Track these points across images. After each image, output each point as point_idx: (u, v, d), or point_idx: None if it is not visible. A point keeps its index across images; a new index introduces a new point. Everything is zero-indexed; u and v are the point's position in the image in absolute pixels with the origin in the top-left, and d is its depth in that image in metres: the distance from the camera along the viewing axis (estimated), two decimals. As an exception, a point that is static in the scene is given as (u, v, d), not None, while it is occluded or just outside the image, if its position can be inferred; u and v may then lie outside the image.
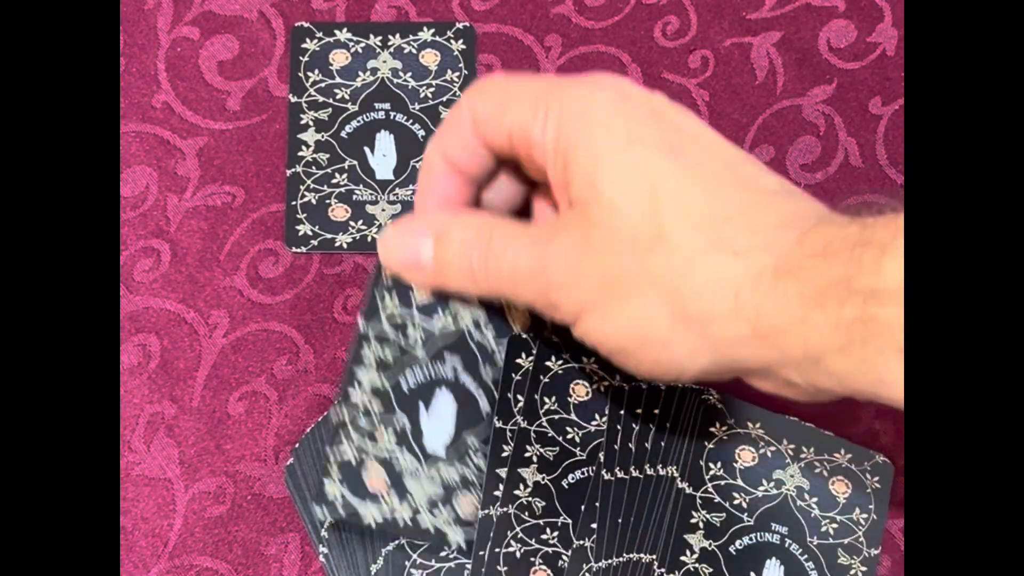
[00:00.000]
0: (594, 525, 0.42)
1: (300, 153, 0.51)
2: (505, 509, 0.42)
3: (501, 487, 0.42)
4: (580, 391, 0.44)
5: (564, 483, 0.42)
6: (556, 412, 0.44)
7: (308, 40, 0.53)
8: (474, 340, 0.42)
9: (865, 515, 0.43)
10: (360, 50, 0.53)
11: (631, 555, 0.41)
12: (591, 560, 0.41)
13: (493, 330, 0.43)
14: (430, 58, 0.53)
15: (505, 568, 0.41)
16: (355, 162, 0.51)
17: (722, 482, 0.43)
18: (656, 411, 0.44)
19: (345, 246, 0.49)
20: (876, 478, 0.44)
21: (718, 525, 0.42)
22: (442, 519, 0.42)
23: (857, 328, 0.33)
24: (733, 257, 0.34)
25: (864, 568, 0.42)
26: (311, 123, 0.51)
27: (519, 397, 0.43)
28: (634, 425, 0.44)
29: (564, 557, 0.41)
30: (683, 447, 0.44)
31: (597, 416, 0.44)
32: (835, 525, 0.43)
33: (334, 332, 0.48)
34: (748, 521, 0.43)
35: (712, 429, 0.44)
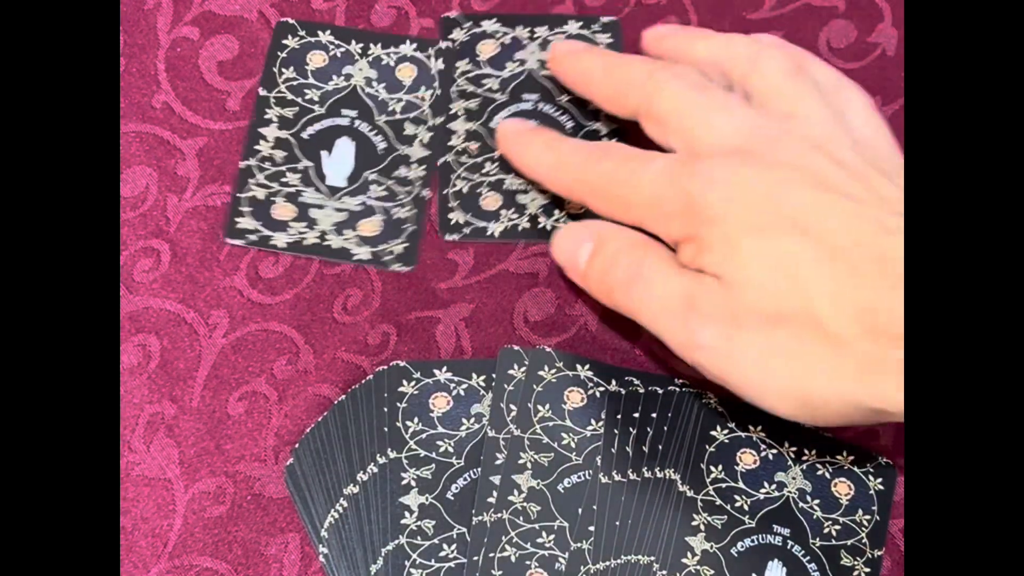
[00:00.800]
0: (591, 527, 0.42)
1: (257, 147, 0.51)
2: (499, 515, 0.42)
3: (495, 493, 0.42)
4: (575, 398, 0.44)
5: (560, 487, 0.43)
6: (551, 419, 0.44)
7: (290, 37, 0.53)
8: (366, 93, 0.47)
9: (868, 516, 0.43)
10: (339, 55, 0.53)
11: (629, 557, 0.41)
12: (588, 562, 0.41)
13: (385, 84, 0.49)
14: (406, 72, 0.53)
15: (500, 572, 0.41)
16: (310, 164, 0.50)
17: (723, 485, 0.43)
18: (654, 415, 0.44)
19: (283, 245, 0.49)
20: (879, 480, 0.44)
21: (719, 527, 0.42)
22: (349, 240, 0.48)
23: None
24: (849, 358, 0.36)
25: (868, 569, 0.42)
26: (275, 119, 0.51)
27: (512, 407, 0.44)
28: (631, 429, 0.44)
29: (561, 560, 0.41)
30: (683, 450, 0.43)
31: (593, 421, 0.44)
32: (837, 527, 0.43)
33: (334, 332, 0.48)
34: (750, 523, 0.42)
35: (713, 432, 0.44)
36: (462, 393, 0.45)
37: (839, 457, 0.44)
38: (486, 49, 0.53)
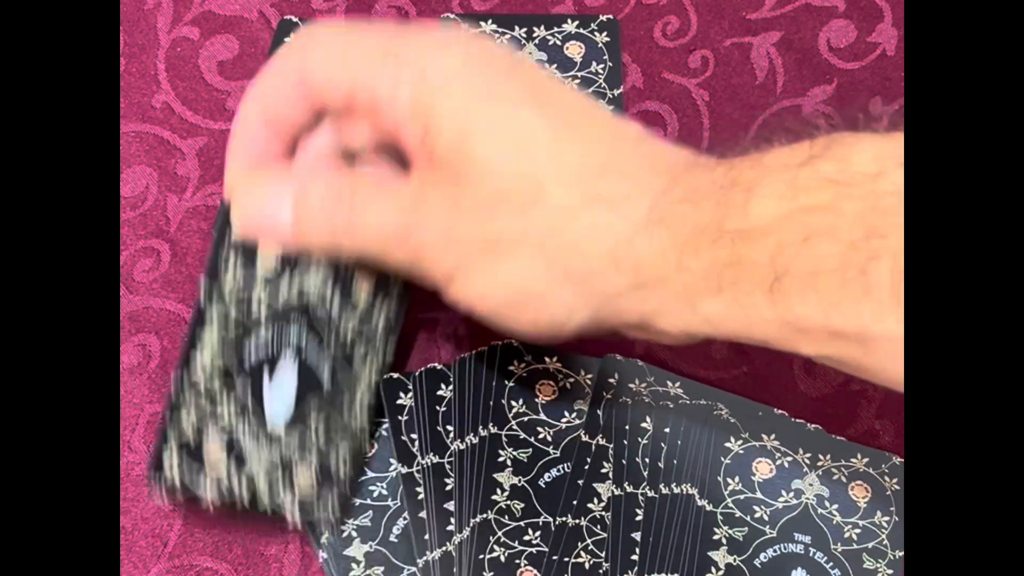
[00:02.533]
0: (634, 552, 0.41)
1: None
2: (484, 515, 0.42)
3: (479, 496, 0.42)
4: (547, 390, 0.44)
5: (541, 483, 0.42)
6: (525, 414, 0.44)
7: (292, 35, 0.53)
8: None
9: (887, 518, 0.43)
10: None
11: None
12: None
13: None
14: None
15: (491, 573, 0.41)
16: None
17: (742, 496, 0.43)
18: (667, 429, 0.44)
19: None
20: (895, 480, 0.44)
21: (741, 539, 0.42)
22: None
23: (728, 271, 0.33)
24: (608, 210, 0.34)
25: (890, 571, 0.42)
26: None
27: (490, 403, 0.43)
28: (641, 440, 0.43)
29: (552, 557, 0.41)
30: (699, 464, 0.43)
31: (567, 413, 0.44)
32: (858, 530, 0.42)
33: (334, 332, 0.48)
34: (771, 533, 0.42)
35: (728, 444, 0.44)
36: (568, 387, 0.45)
37: (854, 460, 0.44)
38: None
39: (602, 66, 0.52)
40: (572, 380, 0.44)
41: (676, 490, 0.43)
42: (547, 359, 0.44)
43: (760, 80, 0.53)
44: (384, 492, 0.43)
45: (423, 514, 0.42)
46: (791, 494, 0.43)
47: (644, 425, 0.44)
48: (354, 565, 0.42)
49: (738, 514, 0.42)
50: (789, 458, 0.44)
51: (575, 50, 0.53)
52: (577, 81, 0.52)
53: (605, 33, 0.53)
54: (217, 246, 0.41)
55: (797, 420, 0.45)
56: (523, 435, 0.43)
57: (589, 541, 0.41)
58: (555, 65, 0.52)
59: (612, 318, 0.35)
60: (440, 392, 0.44)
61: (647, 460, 0.43)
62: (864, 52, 0.54)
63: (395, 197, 0.36)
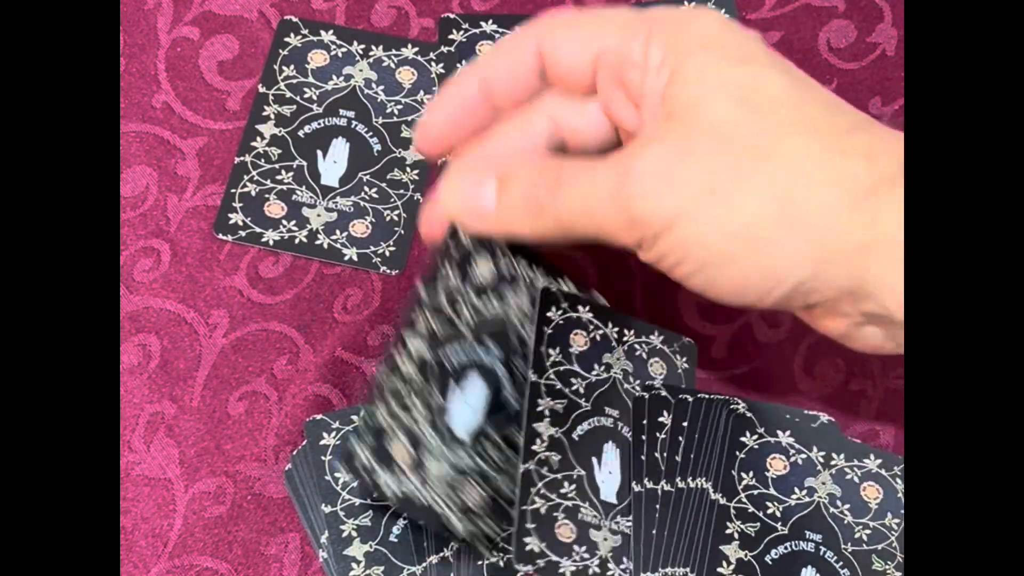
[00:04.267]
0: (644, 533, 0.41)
1: (253, 143, 0.51)
2: (526, 465, 0.41)
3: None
4: (580, 340, 0.43)
5: (575, 435, 0.42)
6: (561, 363, 0.43)
7: (293, 35, 0.53)
8: (365, 95, 0.42)
9: (897, 520, 0.43)
10: (340, 55, 0.53)
11: (667, 569, 0.41)
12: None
13: (385, 86, 0.42)
14: (406, 75, 0.52)
15: (533, 525, 0.40)
16: (304, 163, 0.50)
17: (755, 491, 0.43)
18: (685, 423, 0.43)
19: (271, 243, 0.49)
20: None
21: (753, 535, 0.42)
22: (338, 240, 0.44)
23: None
24: (861, 159, 0.34)
25: (899, 573, 0.42)
26: (272, 116, 0.51)
27: (550, 351, 0.42)
28: (659, 435, 0.43)
29: (582, 510, 0.41)
30: (714, 458, 0.43)
31: (596, 366, 0.43)
32: (868, 531, 0.42)
33: (334, 332, 0.48)
34: (783, 530, 0.42)
35: (743, 439, 0.44)
36: (598, 338, 0.44)
37: (867, 460, 0.44)
38: (485, 50, 0.53)
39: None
40: (602, 332, 0.44)
41: (692, 484, 0.42)
42: (580, 308, 0.43)
43: (760, 80, 0.53)
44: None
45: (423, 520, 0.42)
46: (804, 492, 0.43)
47: (662, 420, 0.43)
48: (354, 565, 0.42)
49: (751, 509, 0.42)
50: (803, 455, 0.43)
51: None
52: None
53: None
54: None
55: (810, 412, 0.45)
56: (559, 385, 0.43)
57: (540, 485, 0.41)
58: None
59: (825, 285, 0.34)
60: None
61: (664, 455, 0.43)
62: (864, 52, 0.54)
63: (607, 159, 0.36)
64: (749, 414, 0.44)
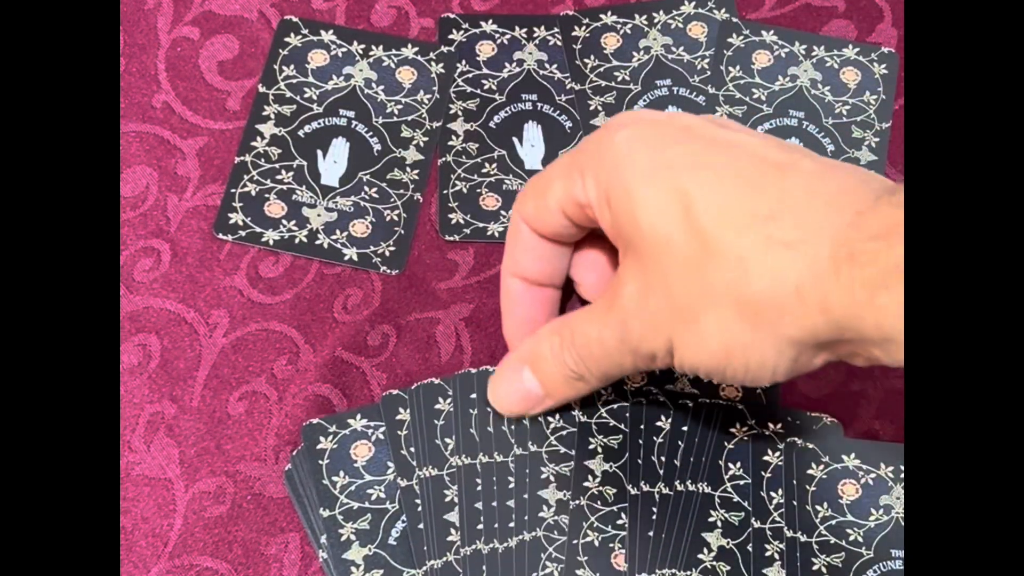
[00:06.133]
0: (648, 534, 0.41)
1: (253, 143, 0.51)
2: (577, 502, 0.42)
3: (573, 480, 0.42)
4: (487, 49, 0.44)
5: (491, 124, 0.43)
6: (614, 400, 0.44)
7: (293, 35, 0.53)
8: (365, 94, 0.45)
9: (875, 97, 0.42)
10: (340, 55, 0.53)
11: (663, 571, 0.41)
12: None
13: (385, 86, 0.47)
14: (406, 75, 0.52)
15: (586, 558, 0.41)
16: (304, 163, 0.50)
17: (740, 482, 0.43)
18: (684, 428, 0.43)
19: (271, 243, 0.49)
20: (883, 66, 0.43)
21: (737, 524, 0.42)
22: (338, 240, 0.47)
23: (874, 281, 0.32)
24: (785, 251, 0.34)
25: (876, 139, 0.42)
26: (272, 116, 0.51)
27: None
28: (656, 439, 0.43)
29: (506, 182, 0.41)
30: (704, 454, 0.43)
31: (507, 64, 0.43)
32: (848, 107, 0.42)
33: (334, 332, 0.48)
34: (766, 529, 0.42)
35: (732, 430, 0.44)
36: (505, 43, 0.45)
37: (845, 50, 0.43)
38: (485, 50, 0.53)
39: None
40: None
41: (691, 488, 0.42)
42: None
43: (760, 80, 0.53)
44: (382, 495, 0.43)
45: (421, 525, 0.42)
46: (795, 483, 0.43)
47: (659, 424, 0.44)
48: (353, 569, 0.42)
49: (736, 499, 0.42)
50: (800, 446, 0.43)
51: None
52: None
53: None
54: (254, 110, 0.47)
55: (813, 414, 0.45)
56: (613, 422, 0.43)
57: (593, 519, 0.42)
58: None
59: (816, 358, 0.36)
60: (438, 406, 0.44)
61: (663, 459, 0.43)
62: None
63: (601, 308, 0.39)
64: (741, 407, 0.44)
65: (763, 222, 0.34)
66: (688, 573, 0.41)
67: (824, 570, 0.41)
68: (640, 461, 0.43)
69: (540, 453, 0.43)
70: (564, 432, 0.43)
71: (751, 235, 0.34)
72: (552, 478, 0.42)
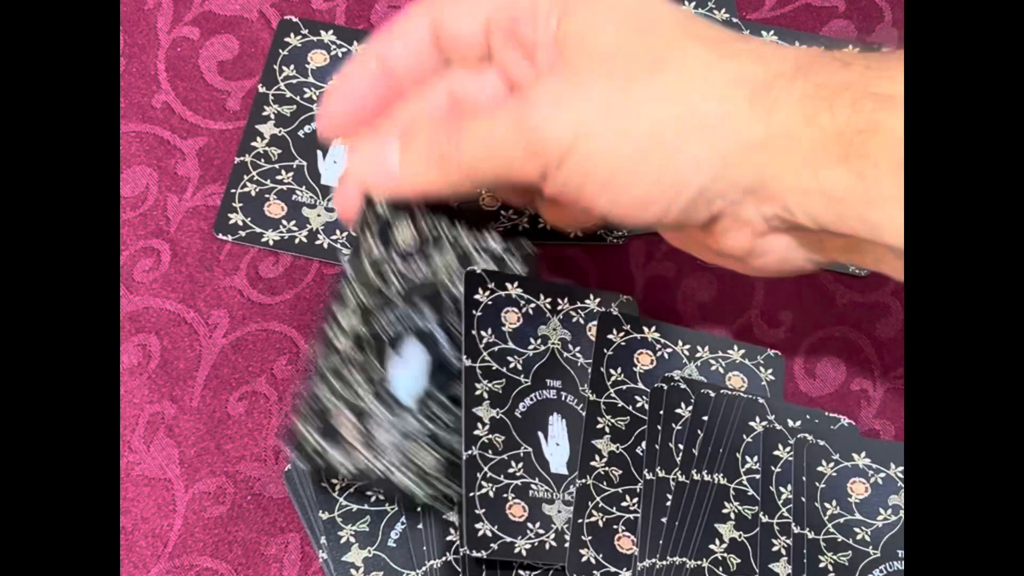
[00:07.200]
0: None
1: (253, 143, 0.51)
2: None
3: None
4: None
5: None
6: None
7: (293, 35, 0.53)
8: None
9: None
10: (340, 55, 0.53)
11: (673, 559, 0.41)
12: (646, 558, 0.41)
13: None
14: None
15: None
16: (305, 163, 0.50)
17: (756, 476, 0.43)
18: (704, 417, 0.43)
19: (271, 243, 0.49)
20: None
21: (749, 517, 0.42)
22: (338, 240, 0.44)
23: (860, 138, 0.32)
24: (754, 61, 0.34)
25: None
26: (272, 116, 0.51)
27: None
28: (675, 426, 0.43)
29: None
30: (723, 447, 0.43)
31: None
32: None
33: (334, 332, 0.48)
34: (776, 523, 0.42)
35: (752, 423, 0.44)
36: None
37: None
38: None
39: None
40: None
41: (707, 478, 0.42)
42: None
43: (760, 80, 0.53)
44: (381, 497, 0.43)
45: (421, 525, 0.42)
46: (806, 478, 0.43)
47: (679, 411, 0.43)
48: (353, 571, 0.42)
49: (750, 492, 0.42)
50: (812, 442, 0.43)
51: None
52: None
53: None
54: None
55: (831, 414, 0.45)
56: (621, 403, 0.43)
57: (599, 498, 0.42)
58: None
59: (727, 187, 0.35)
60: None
61: (680, 446, 0.43)
62: (864, 52, 0.54)
63: (504, 104, 0.37)
64: (761, 400, 0.44)
65: (730, 40, 0.35)
66: (699, 563, 0.41)
67: (830, 568, 0.41)
68: (657, 447, 0.43)
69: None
70: (624, 388, 0.43)
71: (716, 48, 0.35)
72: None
